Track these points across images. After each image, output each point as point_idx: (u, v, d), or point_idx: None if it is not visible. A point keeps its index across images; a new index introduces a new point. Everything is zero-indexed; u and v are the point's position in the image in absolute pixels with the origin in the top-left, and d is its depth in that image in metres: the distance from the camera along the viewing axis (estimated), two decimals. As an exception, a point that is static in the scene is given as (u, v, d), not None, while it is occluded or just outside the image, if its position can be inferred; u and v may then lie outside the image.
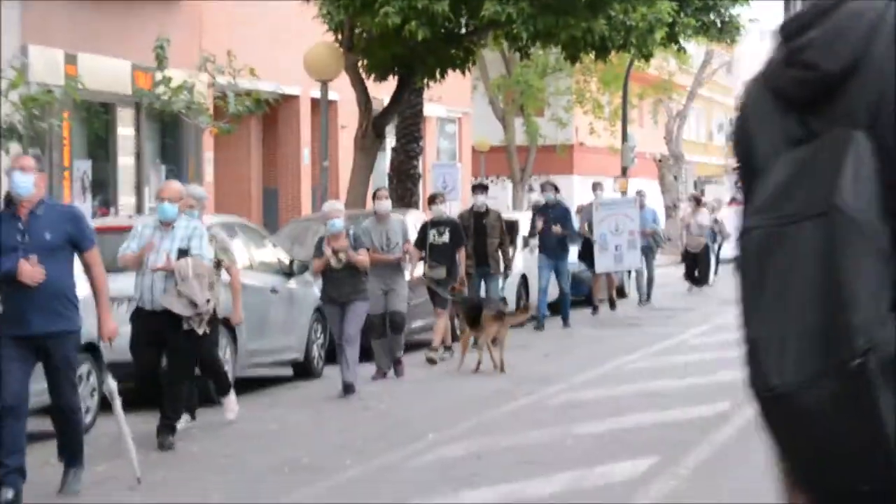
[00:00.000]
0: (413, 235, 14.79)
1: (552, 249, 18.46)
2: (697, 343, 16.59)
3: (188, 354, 9.92)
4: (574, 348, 16.34)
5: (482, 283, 16.20)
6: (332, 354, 13.19)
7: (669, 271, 25.42)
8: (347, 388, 12.23)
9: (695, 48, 34.09)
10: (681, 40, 20.39)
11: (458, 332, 15.39)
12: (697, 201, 27.31)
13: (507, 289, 17.19)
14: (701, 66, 43.49)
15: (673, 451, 9.38)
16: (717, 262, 27.83)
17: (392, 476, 8.83)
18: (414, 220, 16.27)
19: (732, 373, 13.39)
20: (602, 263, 20.48)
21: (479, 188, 17.02)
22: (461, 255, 15.04)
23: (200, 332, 9.79)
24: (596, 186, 21.81)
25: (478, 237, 16.11)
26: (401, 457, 9.43)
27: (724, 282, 27.52)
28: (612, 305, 21.13)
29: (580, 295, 20.57)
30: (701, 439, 9.91)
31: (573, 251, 20.00)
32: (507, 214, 19.35)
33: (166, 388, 9.80)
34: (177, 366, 9.86)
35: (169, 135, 21.67)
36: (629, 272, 22.98)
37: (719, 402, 11.52)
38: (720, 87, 58.11)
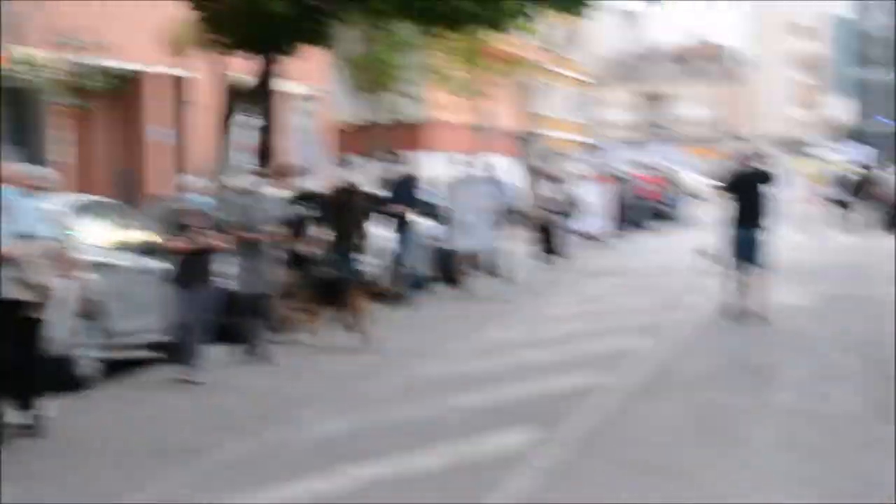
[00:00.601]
0: (278, 212, 14.56)
1: (403, 224, 18.49)
2: (565, 314, 16.73)
3: (32, 342, 9.53)
4: (443, 323, 16.31)
5: (345, 259, 16.03)
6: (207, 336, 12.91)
7: (527, 245, 25.57)
8: (193, 373, 11.84)
9: (548, 24, 34.32)
10: (532, 13, 20.37)
11: (313, 309, 15.16)
12: (549, 176, 27.49)
13: (374, 264, 17.06)
14: (555, 42, 43.87)
15: (553, 421, 9.42)
16: (573, 236, 28.05)
17: (271, 455, 8.67)
18: (276, 196, 16.02)
19: (602, 343, 13.59)
20: (460, 240, 20.47)
21: (343, 164, 16.87)
22: (321, 231, 14.88)
23: (39, 317, 9.43)
24: (453, 162, 21.81)
25: (341, 213, 15.94)
26: (278, 436, 9.27)
27: (581, 255, 27.88)
28: (473, 280, 21.13)
29: (445, 270, 20.55)
30: (579, 408, 9.97)
31: (435, 226, 20.02)
32: (369, 191, 19.19)
33: (15, 377, 9.37)
34: (23, 353, 9.44)
35: (20, 114, 20.99)
36: (491, 247, 23.02)
37: (592, 372, 11.63)
38: (571, 63, 58.65)
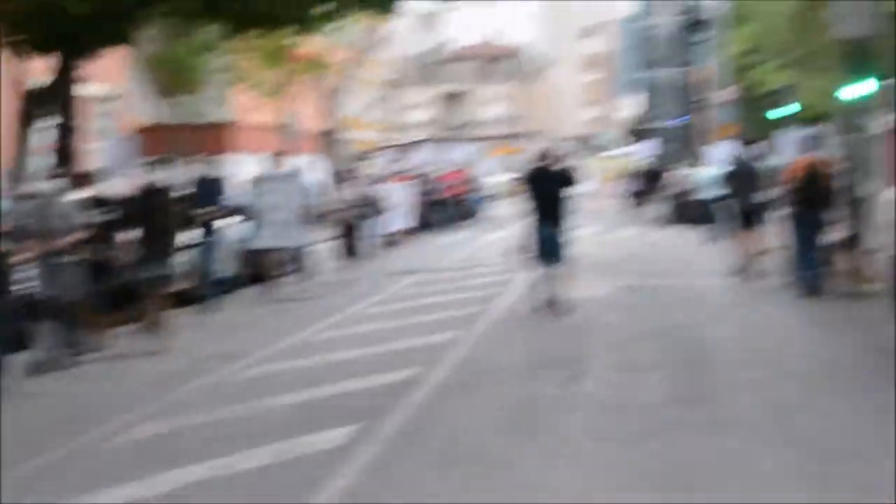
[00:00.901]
0: (79, 217, 14.26)
1: (208, 225, 18.35)
2: (374, 312, 16.82)
3: None
4: (253, 324, 16.23)
5: (150, 263, 15.81)
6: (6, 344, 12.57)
7: (332, 245, 25.62)
8: None
9: (349, 25, 34.35)
10: (339, 15, 20.42)
11: (116, 315, 14.92)
12: (353, 175, 27.57)
13: (181, 267, 16.85)
14: (357, 43, 43.93)
15: (371, 418, 9.51)
16: (377, 235, 28.18)
17: (82, 463, 8.53)
18: (76, 200, 15.69)
19: (412, 340, 13.74)
20: (266, 239, 20.38)
21: (146, 166, 16.60)
22: (125, 235, 14.66)
23: None
24: (258, 163, 21.69)
25: (145, 216, 15.70)
26: (88, 443, 9.12)
27: (386, 254, 28.06)
28: (280, 280, 21.07)
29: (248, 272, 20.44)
30: (396, 404, 10.08)
31: (241, 226, 19.91)
32: (174, 193, 18.92)
33: None
34: None
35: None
36: (297, 246, 22.97)
37: (405, 369, 11.76)
38: (374, 63, 58.80)
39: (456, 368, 11.93)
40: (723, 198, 29.02)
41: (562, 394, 10.48)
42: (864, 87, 22.60)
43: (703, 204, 33.09)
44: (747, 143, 23.58)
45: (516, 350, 13.02)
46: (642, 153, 48.88)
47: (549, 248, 16.07)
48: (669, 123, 79.17)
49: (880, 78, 24.56)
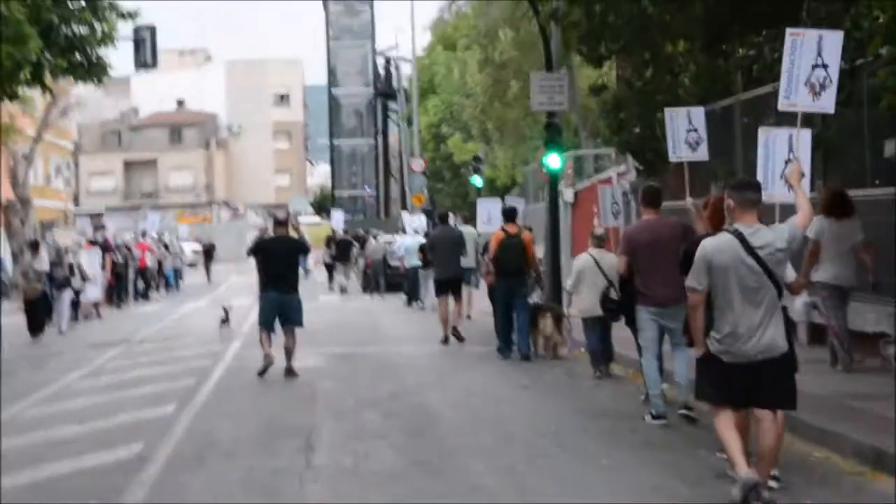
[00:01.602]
0: None
1: None
2: (84, 387, 16.24)
3: None
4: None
5: None
6: None
7: (14, 319, 24.39)
8: None
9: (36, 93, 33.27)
10: (47, 80, 19.89)
11: None
12: (34, 246, 26.52)
13: None
14: (46, 109, 42.62)
15: (107, 496, 9.20)
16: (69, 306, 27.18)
17: None
18: None
19: (133, 414, 13.35)
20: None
21: None
22: None
23: None
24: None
25: None
26: None
27: (82, 325, 27.20)
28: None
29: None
30: (129, 482, 9.78)
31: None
32: None
33: None
34: None
35: None
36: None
37: (132, 444, 11.43)
38: (58, 130, 57.19)
39: (183, 442, 11.66)
40: (421, 266, 29.88)
41: (298, 464, 10.42)
42: (557, 159, 23.71)
43: (399, 272, 33.76)
44: (443, 214, 24.13)
45: (243, 421, 12.86)
46: (335, 221, 49.35)
47: (284, 314, 16.34)
48: (361, 192, 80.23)
49: (566, 150, 25.77)
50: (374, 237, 42.86)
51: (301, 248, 16.93)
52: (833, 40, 10.71)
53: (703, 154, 14.99)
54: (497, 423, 12.35)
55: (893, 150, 13.97)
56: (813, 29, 11.35)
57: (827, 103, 10.70)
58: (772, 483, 8.66)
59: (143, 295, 38.07)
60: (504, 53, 37.61)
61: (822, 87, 10.68)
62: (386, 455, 10.71)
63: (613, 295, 13.14)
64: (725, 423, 8.47)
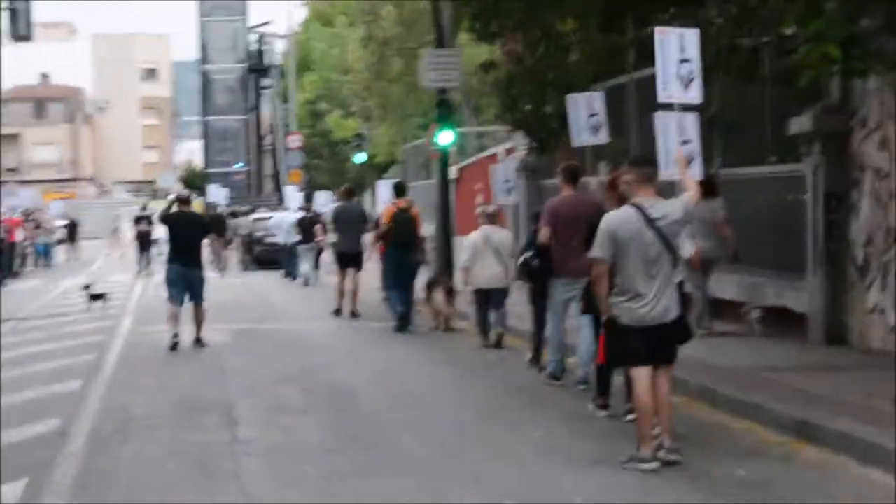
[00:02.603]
0: None
1: None
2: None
3: None
4: None
5: None
6: None
7: None
8: None
9: None
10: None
11: None
12: None
13: None
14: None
15: (37, 471, 8.99)
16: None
17: None
18: None
19: (41, 389, 13.04)
20: None
21: None
22: None
23: None
24: None
25: None
26: None
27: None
28: None
29: None
30: (57, 456, 9.58)
31: None
32: None
33: None
34: None
35: None
36: None
37: (48, 419, 11.22)
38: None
39: (101, 416, 11.41)
40: (300, 242, 29.85)
41: (225, 438, 10.29)
42: (449, 136, 23.74)
43: (279, 248, 33.58)
44: (348, 190, 24.04)
45: (156, 396, 12.65)
46: (216, 197, 48.84)
47: (184, 287, 16.52)
48: (234, 168, 79.39)
49: (456, 127, 25.84)
50: (248, 214, 42.59)
51: (205, 225, 17.54)
52: (692, 38, 11.69)
53: (603, 137, 15.35)
54: (418, 399, 12.33)
55: (798, 127, 14.30)
56: (675, 28, 12.33)
57: (694, 95, 11.65)
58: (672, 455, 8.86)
59: (21, 271, 37.22)
60: (387, 30, 37.51)
61: (690, 79, 11.64)
62: (313, 430, 10.63)
63: (534, 263, 13.21)
64: (642, 388, 8.94)
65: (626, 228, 8.86)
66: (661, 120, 11.78)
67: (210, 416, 11.32)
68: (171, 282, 16.64)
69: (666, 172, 11.01)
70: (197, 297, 16.67)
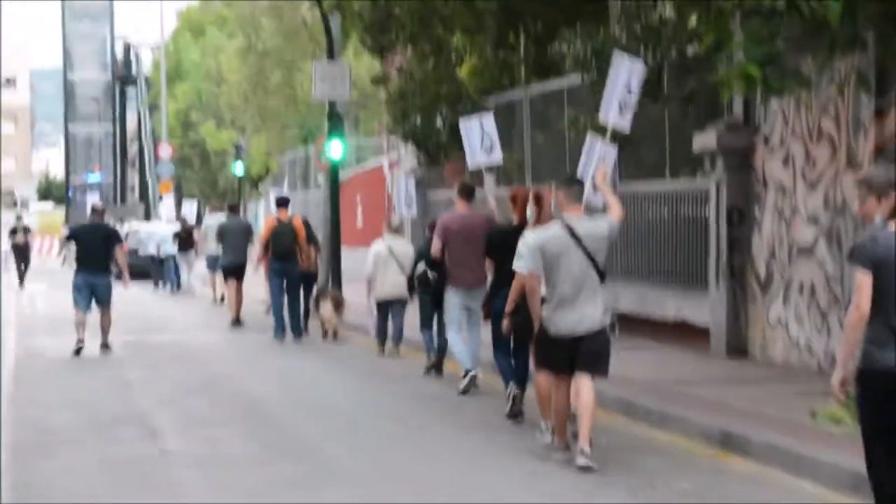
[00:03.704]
0: None
1: None
2: None
3: None
4: None
5: None
6: None
7: None
8: None
9: None
10: None
11: None
12: None
13: None
14: None
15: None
16: None
17: None
18: None
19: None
20: None
21: None
22: None
23: None
24: None
25: None
26: None
27: None
28: None
29: None
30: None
31: None
32: None
33: None
34: None
35: None
36: None
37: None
38: None
39: (17, 430, 11.07)
40: (179, 249, 29.79)
41: (152, 451, 10.11)
42: (339, 148, 23.68)
43: (151, 260, 33.19)
44: (233, 205, 24.28)
45: (66, 410, 12.32)
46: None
47: (96, 295, 16.87)
48: (97, 179, 77.95)
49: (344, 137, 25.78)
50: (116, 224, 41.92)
51: (114, 235, 17.92)
52: (639, 71, 12.63)
53: (497, 158, 15.54)
54: (332, 408, 12.33)
55: (701, 143, 14.60)
56: (631, 57, 13.09)
57: (626, 123, 12.64)
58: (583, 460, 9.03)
59: None
60: (267, 42, 37.31)
61: (627, 108, 12.57)
62: (237, 442, 10.50)
63: (430, 275, 13.50)
64: (559, 392, 9.45)
65: (554, 244, 9.32)
66: (587, 143, 12.56)
67: (128, 429, 11.12)
68: (78, 288, 16.94)
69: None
70: (103, 304, 16.99)
